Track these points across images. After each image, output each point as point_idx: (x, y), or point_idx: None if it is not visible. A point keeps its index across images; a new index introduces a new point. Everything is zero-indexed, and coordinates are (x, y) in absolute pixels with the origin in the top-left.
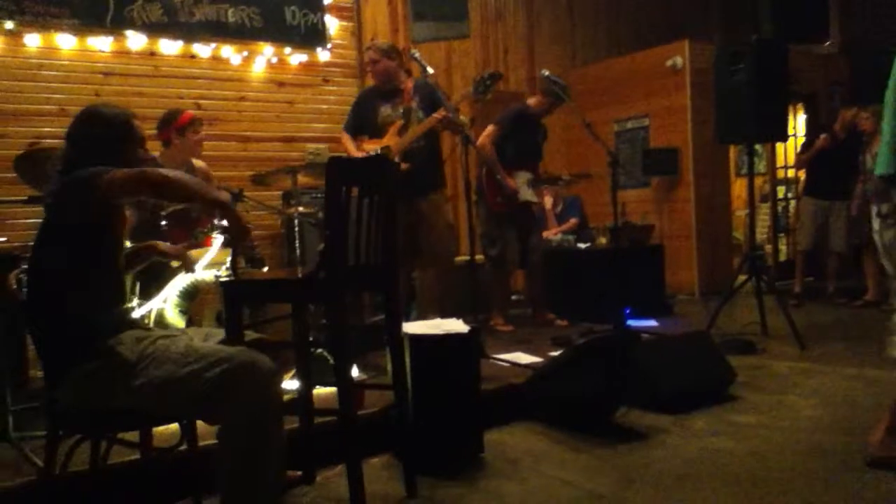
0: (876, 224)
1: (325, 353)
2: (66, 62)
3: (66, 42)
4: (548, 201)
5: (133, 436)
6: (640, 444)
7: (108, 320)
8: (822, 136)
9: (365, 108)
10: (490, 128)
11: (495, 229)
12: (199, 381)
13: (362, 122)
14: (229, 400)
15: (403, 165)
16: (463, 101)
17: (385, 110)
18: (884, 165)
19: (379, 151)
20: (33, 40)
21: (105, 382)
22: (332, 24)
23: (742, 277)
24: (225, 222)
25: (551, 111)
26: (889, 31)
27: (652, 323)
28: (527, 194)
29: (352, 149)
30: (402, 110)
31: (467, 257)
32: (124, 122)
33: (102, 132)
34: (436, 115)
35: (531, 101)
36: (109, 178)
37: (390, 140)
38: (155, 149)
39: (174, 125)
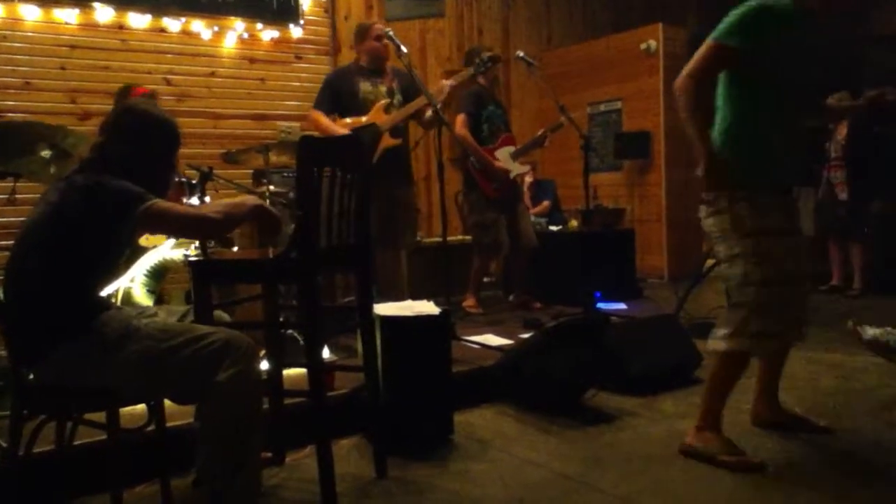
0: None
1: (296, 334)
2: (31, 34)
3: (30, 13)
4: (528, 179)
5: (99, 416)
6: (608, 425)
7: (96, 301)
8: None
9: (344, 84)
10: (460, 117)
11: (489, 216)
12: (179, 356)
13: (340, 99)
14: (210, 375)
15: (393, 140)
16: (460, 82)
17: (365, 86)
18: None
19: (364, 126)
20: None
21: (86, 360)
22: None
23: (710, 261)
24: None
25: (491, 75)
26: (856, 19)
27: (622, 306)
28: (517, 168)
29: (329, 125)
30: (384, 89)
31: (439, 239)
32: (177, 135)
33: (157, 139)
34: (426, 104)
35: (479, 79)
36: (158, 211)
37: (376, 117)
38: None
39: (130, 97)
